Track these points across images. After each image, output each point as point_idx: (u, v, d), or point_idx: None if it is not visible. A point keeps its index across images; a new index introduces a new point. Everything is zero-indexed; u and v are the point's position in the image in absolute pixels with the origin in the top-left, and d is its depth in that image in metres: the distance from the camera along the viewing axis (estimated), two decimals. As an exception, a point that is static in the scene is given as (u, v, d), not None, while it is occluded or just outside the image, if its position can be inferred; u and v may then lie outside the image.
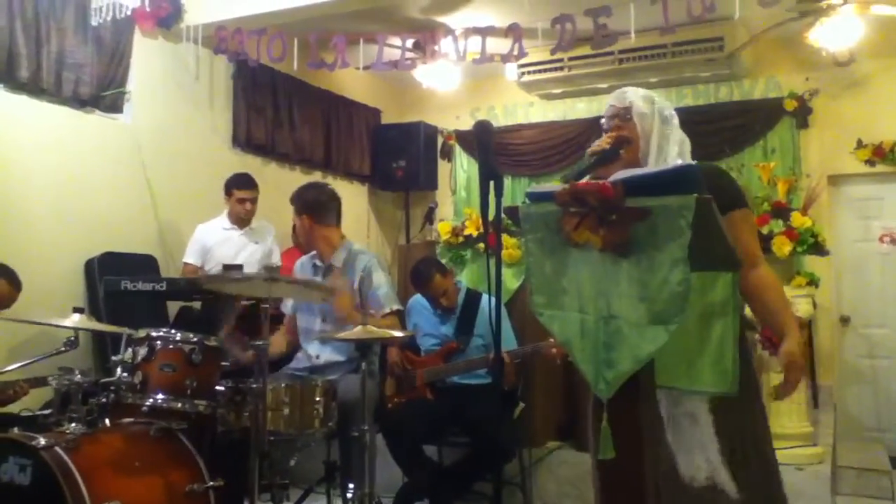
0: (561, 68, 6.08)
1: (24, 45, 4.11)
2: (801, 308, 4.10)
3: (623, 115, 2.14)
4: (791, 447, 3.83)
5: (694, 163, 2.06)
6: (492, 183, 2.19)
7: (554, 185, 2.06)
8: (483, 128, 2.22)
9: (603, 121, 2.20)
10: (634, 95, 2.15)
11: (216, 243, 4.73)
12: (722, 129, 5.93)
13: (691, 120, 2.30)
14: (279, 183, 5.64)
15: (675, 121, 2.16)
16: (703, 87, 6.13)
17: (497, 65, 5.46)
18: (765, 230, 4.12)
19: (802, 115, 5.84)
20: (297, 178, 5.80)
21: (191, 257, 4.73)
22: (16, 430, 2.68)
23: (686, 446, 1.92)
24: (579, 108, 6.62)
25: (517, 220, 2.04)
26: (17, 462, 2.51)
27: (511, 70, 6.23)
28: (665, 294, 1.81)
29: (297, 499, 3.50)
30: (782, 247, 4.04)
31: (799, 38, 5.09)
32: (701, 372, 2.04)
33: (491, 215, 2.14)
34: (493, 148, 2.17)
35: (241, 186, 4.73)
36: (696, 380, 2.06)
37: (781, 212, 4.23)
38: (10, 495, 2.50)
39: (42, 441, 2.51)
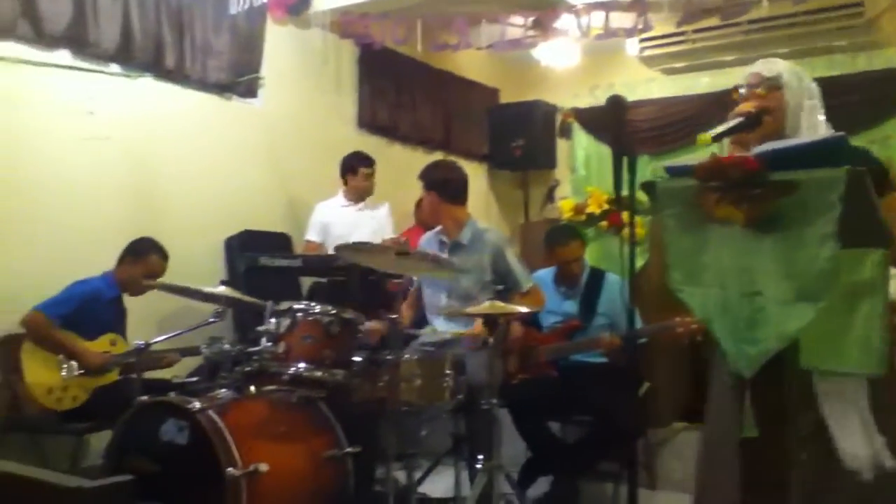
0: (685, 41, 5.89)
1: (169, 35, 4.38)
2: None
3: (769, 85, 2.09)
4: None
5: (843, 133, 1.99)
6: (625, 160, 2.19)
7: (692, 159, 2.04)
8: (616, 104, 2.22)
9: (743, 89, 2.16)
10: (784, 67, 2.11)
11: (333, 220, 4.96)
12: (861, 101, 5.60)
13: (826, 91, 2.23)
14: (402, 163, 5.78)
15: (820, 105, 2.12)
16: (839, 56, 5.79)
17: (617, 40, 5.37)
18: (910, 207, 3.89)
19: (951, 82, 5.44)
20: (418, 159, 5.91)
21: (312, 234, 4.98)
22: (173, 394, 2.91)
23: (847, 428, 1.87)
24: (703, 83, 6.39)
25: (654, 195, 2.03)
26: (176, 423, 2.71)
27: (632, 45, 6.10)
28: (813, 271, 1.77)
29: (425, 469, 3.62)
30: (931, 224, 3.81)
31: (949, 0, 4.75)
32: (848, 352, 1.98)
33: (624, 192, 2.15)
34: (625, 124, 2.17)
35: (365, 164, 4.98)
36: (842, 360, 2.00)
37: (929, 187, 3.98)
38: (171, 453, 2.71)
39: (197, 405, 2.70)
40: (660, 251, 3.95)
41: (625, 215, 4.49)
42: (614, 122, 2.20)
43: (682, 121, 6.38)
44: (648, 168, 5.88)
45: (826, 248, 1.76)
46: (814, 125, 2.08)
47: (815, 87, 2.14)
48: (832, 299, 1.80)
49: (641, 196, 2.26)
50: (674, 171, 2.02)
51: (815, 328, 1.85)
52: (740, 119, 2.15)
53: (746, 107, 2.16)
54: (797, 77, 2.11)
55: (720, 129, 2.13)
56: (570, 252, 3.98)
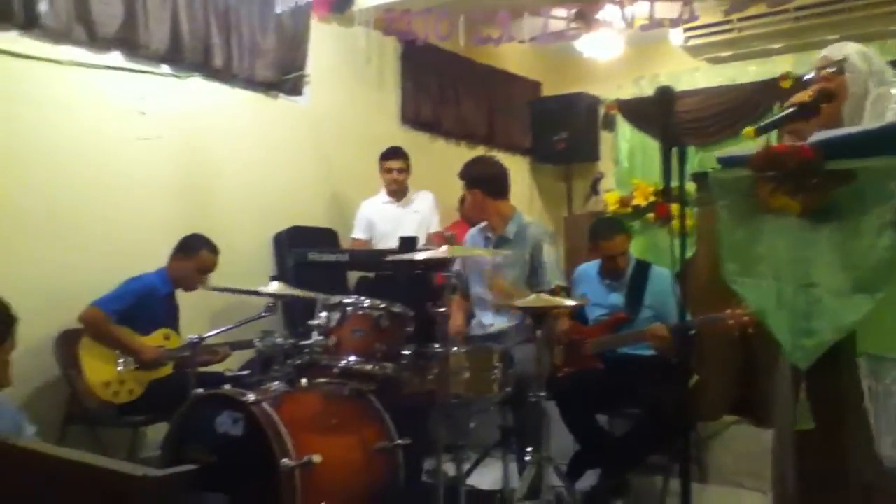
0: (731, 30, 5.82)
1: (217, 35, 4.45)
2: None
3: (834, 68, 2.05)
4: None
5: (900, 121, 1.95)
6: (674, 151, 2.17)
7: (745, 149, 2.02)
8: (664, 94, 2.20)
9: (810, 74, 2.12)
10: (851, 49, 2.06)
11: (378, 217, 5.01)
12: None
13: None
14: (445, 158, 5.80)
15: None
16: (892, 41, 5.65)
17: (661, 30, 5.31)
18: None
19: None
20: (461, 154, 5.93)
21: (358, 232, 5.04)
22: (228, 387, 2.97)
23: (887, 424, 1.84)
24: (750, 72, 6.29)
25: (706, 185, 2.02)
26: (231, 415, 2.77)
27: (676, 35, 6.04)
28: (871, 261, 1.74)
29: (473, 461, 3.65)
30: None
31: None
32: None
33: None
34: (674, 115, 2.16)
35: (387, 157, 5.01)
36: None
37: None
38: (226, 444, 2.77)
39: (251, 397, 2.76)
40: (708, 243, 3.91)
41: (673, 207, 4.46)
42: (663, 113, 2.18)
43: (727, 111, 6.28)
44: (695, 159, 5.82)
45: (885, 237, 1.73)
46: (880, 113, 2.02)
47: (891, 74, 2.07)
48: (891, 290, 1.77)
49: (689, 187, 2.24)
50: (727, 162, 2.00)
51: (874, 318, 1.82)
52: (790, 109, 2.11)
53: (803, 96, 2.12)
54: (866, 61, 2.05)
55: (766, 121, 2.10)
56: (615, 246, 3.95)
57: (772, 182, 1.83)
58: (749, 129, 2.03)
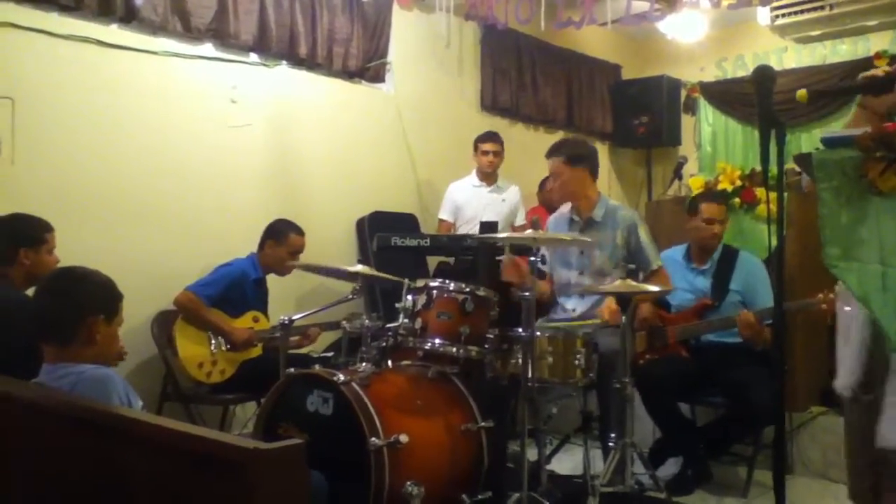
0: (822, 7, 5.60)
1: (301, 24, 4.54)
2: None
3: None
4: None
5: None
6: (773, 132, 2.12)
7: (848, 130, 1.96)
8: (763, 74, 2.16)
9: None
10: None
11: (466, 200, 5.03)
12: None
13: None
14: (524, 143, 5.78)
15: None
16: None
17: (746, 10, 5.17)
18: None
19: None
20: (540, 139, 5.90)
21: (445, 214, 5.07)
22: (317, 367, 3.04)
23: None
24: (842, 51, 6.07)
25: (809, 167, 1.96)
26: (321, 395, 2.84)
27: (763, 14, 5.85)
28: None
29: (554, 446, 3.65)
30: None
31: None
32: None
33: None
34: (773, 95, 2.11)
35: (483, 140, 5.05)
36: None
37: None
38: (316, 422, 2.84)
39: (341, 377, 2.81)
40: (799, 227, 3.80)
41: (759, 191, 4.33)
42: (762, 93, 2.12)
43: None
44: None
45: None
46: None
47: None
48: None
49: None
50: (831, 142, 1.94)
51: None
52: (860, 80, 2.05)
53: (875, 71, 2.06)
54: None
55: (824, 88, 2.04)
56: (714, 211, 3.88)
57: (882, 162, 1.77)
58: (802, 92, 1.97)
